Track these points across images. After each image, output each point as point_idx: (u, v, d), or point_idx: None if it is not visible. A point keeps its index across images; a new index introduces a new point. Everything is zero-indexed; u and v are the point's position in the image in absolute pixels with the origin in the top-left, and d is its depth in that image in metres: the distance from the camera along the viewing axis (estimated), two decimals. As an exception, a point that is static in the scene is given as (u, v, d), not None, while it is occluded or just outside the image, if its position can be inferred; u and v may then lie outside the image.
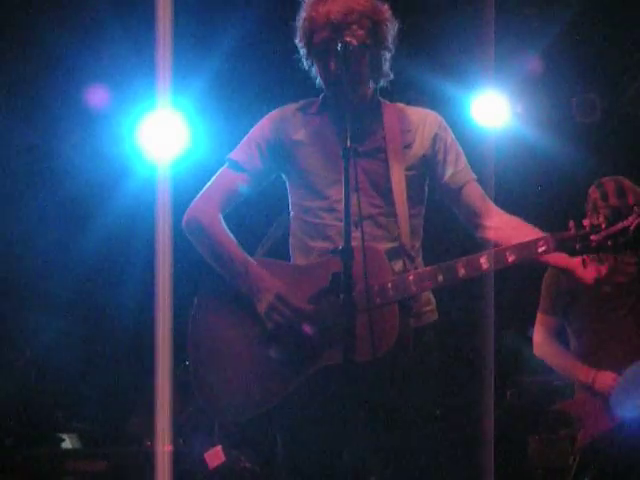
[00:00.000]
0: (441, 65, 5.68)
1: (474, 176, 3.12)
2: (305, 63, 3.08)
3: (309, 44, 3.02)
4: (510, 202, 3.40)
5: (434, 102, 5.92)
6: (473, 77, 5.77)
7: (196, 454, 4.89)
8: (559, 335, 4.45)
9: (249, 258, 3.02)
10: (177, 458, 4.73)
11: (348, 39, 2.92)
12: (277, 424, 3.01)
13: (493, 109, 5.84)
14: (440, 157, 3.08)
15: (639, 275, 4.33)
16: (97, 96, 5.93)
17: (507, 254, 2.87)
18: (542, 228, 3.00)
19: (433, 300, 3.08)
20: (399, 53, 3.14)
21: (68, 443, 5.36)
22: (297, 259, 3.08)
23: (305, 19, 3.02)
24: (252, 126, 3.19)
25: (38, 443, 5.19)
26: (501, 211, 3.10)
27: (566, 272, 3.04)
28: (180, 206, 3.31)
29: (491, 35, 4.82)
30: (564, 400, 4.48)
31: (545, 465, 4.88)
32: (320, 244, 2.99)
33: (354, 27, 2.96)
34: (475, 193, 3.09)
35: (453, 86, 5.74)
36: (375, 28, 3.00)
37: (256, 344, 2.95)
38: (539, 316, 4.47)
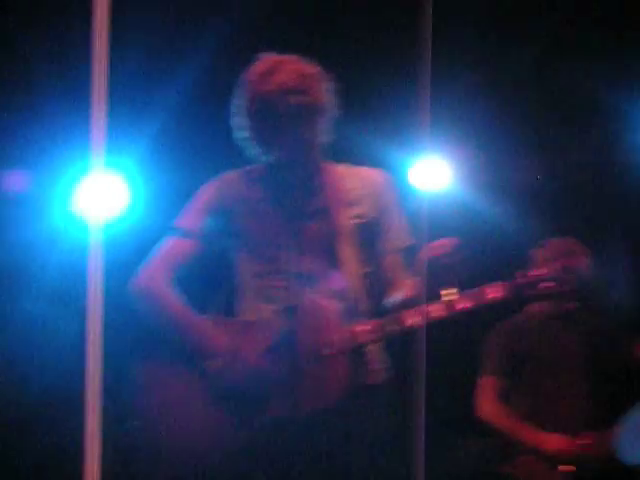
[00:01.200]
0: (378, 129, 5.71)
1: (406, 244, 3.18)
2: (249, 139, 3.11)
3: (265, 117, 3.05)
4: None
5: (372, 166, 5.94)
6: (411, 141, 5.79)
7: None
8: (503, 397, 4.42)
9: (197, 317, 3.10)
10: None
11: (311, 103, 3.03)
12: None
13: (431, 173, 5.86)
14: (382, 219, 3.17)
15: (587, 338, 4.34)
16: (30, 157, 5.85)
17: (455, 302, 2.99)
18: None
19: (385, 359, 3.15)
20: (337, 118, 3.16)
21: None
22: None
23: (257, 94, 3.06)
24: (192, 187, 3.18)
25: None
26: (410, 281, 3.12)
27: None
28: (116, 268, 3.26)
29: (428, 97, 4.85)
30: (506, 462, 4.43)
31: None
32: (270, 306, 3.06)
33: (312, 91, 3.07)
34: (394, 264, 3.17)
35: (390, 150, 5.76)
36: (324, 90, 3.12)
37: (205, 400, 3.02)
38: (483, 378, 4.44)
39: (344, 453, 3.01)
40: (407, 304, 3.04)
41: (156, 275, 3.11)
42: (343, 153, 5.45)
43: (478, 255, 5.85)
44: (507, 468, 4.39)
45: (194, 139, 5.77)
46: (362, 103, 5.68)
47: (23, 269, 5.89)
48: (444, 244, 2.95)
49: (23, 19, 5.33)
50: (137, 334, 3.17)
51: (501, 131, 5.94)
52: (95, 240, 3.09)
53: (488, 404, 4.42)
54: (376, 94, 5.76)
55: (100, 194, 5.54)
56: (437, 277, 2.93)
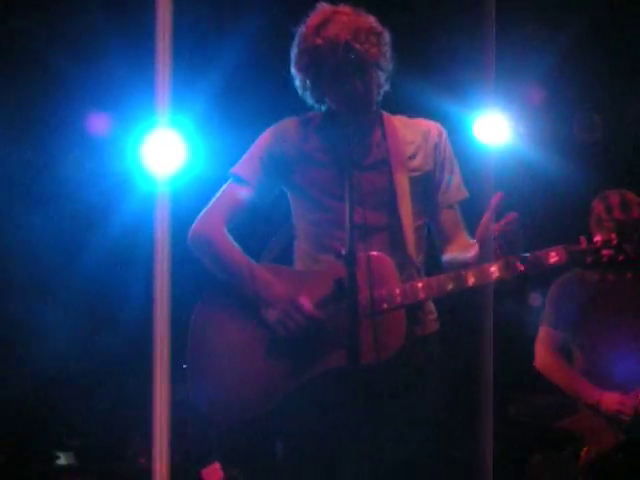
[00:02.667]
0: (442, 83, 5.67)
1: (460, 197, 3.18)
2: (306, 89, 3.12)
3: (319, 70, 3.05)
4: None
5: (435, 120, 5.91)
6: (475, 96, 5.75)
7: (193, 471, 4.84)
8: (562, 350, 4.39)
9: (255, 264, 3.09)
10: (174, 476, 4.69)
11: (363, 56, 2.98)
12: (277, 426, 3.07)
13: (495, 128, 5.82)
14: (437, 173, 3.15)
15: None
16: (97, 112, 5.95)
17: (517, 264, 2.92)
18: (547, 245, 3.00)
19: (434, 310, 3.11)
20: (399, 71, 3.15)
21: (63, 460, 5.32)
22: (302, 268, 3.15)
23: (309, 48, 3.05)
24: (249, 141, 3.20)
25: (32, 460, 5.14)
26: (467, 237, 3.15)
27: None
28: (178, 219, 3.33)
29: (492, 53, 4.82)
30: (568, 417, 4.41)
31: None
32: (325, 256, 3.04)
33: (366, 45, 3.01)
34: (451, 219, 3.16)
35: (454, 105, 5.72)
36: (380, 44, 3.06)
37: (258, 347, 3.02)
38: (542, 329, 4.40)
39: (399, 404, 2.98)
40: (468, 264, 3.00)
41: (211, 221, 3.12)
42: (407, 106, 5.45)
43: (540, 208, 5.85)
44: (565, 424, 4.35)
45: (257, 91, 5.78)
46: (428, 57, 5.65)
47: (93, 219, 6.01)
48: (508, 221, 2.89)
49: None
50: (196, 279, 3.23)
51: (563, 85, 5.88)
52: (162, 192, 3.16)
53: (545, 355, 4.36)
54: (441, 48, 5.72)
55: (164, 149, 5.63)
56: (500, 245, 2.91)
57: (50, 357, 5.97)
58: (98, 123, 5.96)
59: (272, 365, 3.00)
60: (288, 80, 3.19)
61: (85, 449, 5.50)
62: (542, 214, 5.75)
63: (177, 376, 3.17)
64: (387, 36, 3.09)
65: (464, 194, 3.19)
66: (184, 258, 3.17)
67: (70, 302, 6.04)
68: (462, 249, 3.09)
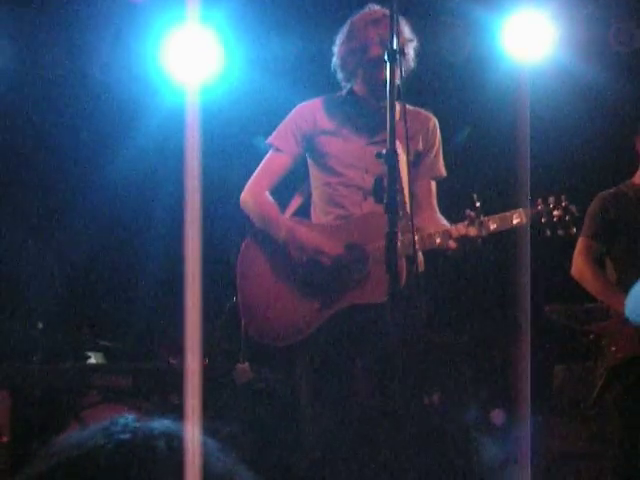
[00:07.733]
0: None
1: (438, 174, 4.04)
2: (341, 68, 3.94)
3: (361, 57, 3.87)
4: (545, 135, 3.43)
5: (466, 28, 5.83)
6: (507, 3, 5.64)
7: (223, 371, 4.91)
8: (598, 260, 4.51)
9: (286, 219, 3.96)
10: (203, 375, 4.78)
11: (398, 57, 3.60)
12: (305, 352, 3.88)
13: (528, 39, 5.64)
14: (425, 151, 3.99)
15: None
16: (121, 10, 5.86)
17: (490, 223, 3.68)
18: (582, 158, 3.06)
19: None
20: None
21: (93, 360, 5.41)
22: (317, 221, 3.98)
23: (360, 38, 3.87)
24: (288, 51, 3.40)
25: (64, 360, 5.22)
26: (435, 210, 4.01)
27: None
28: (211, 133, 3.36)
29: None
30: (592, 323, 4.55)
31: (571, 395, 4.96)
32: (336, 210, 3.94)
33: (402, 48, 3.59)
34: (425, 190, 4.01)
35: (486, 11, 5.63)
36: (411, 49, 3.89)
37: (293, 283, 3.86)
38: (581, 239, 4.56)
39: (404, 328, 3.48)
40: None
41: (255, 190, 3.98)
42: (438, 15, 5.37)
43: (574, 123, 5.78)
44: (595, 327, 4.51)
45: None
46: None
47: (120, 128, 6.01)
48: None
49: None
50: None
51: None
52: (192, 102, 3.14)
53: (581, 264, 4.54)
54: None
55: (194, 52, 5.34)
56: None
57: (81, 261, 6.07)
58: (124, 18, 5.88)
59: (302, 301, 3.82)
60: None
61: (114, 350, 5.58)
62: (577, 127, 5.70)
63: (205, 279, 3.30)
64: (418, 44, 3.90)
65: (441, 173, 4.05)
66: (214, 172, 3.25)
67: (98, 211, 6.08)
68: (433, 225, 3.86)
